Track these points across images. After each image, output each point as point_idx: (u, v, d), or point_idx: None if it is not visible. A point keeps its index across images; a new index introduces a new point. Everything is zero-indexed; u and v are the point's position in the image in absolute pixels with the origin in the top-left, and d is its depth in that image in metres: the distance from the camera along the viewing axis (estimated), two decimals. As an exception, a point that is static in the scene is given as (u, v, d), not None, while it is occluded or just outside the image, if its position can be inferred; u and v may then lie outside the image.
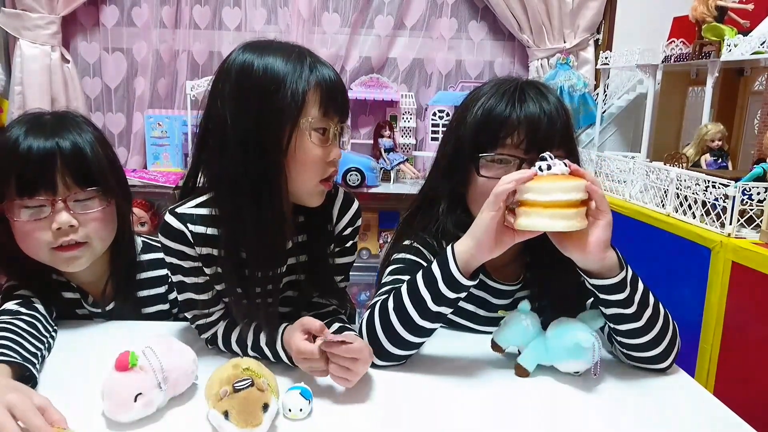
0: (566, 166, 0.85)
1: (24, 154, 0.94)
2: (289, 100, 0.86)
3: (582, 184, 0.84)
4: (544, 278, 1.04)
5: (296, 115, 0.87)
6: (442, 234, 1.03)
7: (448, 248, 0.90)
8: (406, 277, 0.96)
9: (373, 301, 0.97)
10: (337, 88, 0.91)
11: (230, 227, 0.91)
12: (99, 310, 1.12)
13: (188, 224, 0.93)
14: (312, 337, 0.87)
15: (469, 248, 0.88)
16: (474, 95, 1.03)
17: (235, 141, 0.87)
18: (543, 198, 0.82)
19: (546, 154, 0.85)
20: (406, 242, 1.06)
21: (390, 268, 1.04)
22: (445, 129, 2.47)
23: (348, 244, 1.05)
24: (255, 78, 0.87)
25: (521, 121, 0.95)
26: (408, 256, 1.04)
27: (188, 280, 0.96)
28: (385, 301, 0.93)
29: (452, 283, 0.88)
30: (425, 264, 1.01)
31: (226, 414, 0.73)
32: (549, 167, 0.84)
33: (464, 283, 0.88)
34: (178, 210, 0.94)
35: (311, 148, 0.89)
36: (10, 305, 1.00)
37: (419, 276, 0.91)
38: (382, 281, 1.03)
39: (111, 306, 1.12)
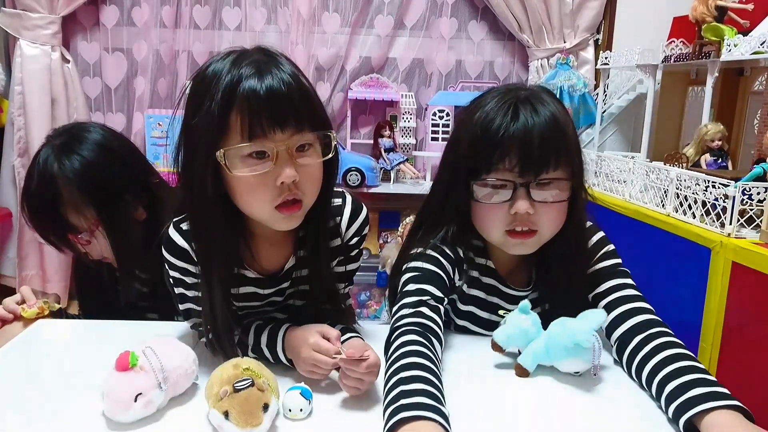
0: None
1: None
2: (203, 129, 0.80)
3: None
4: (552, 280, 1.03)
5: (212, 148, 0.80)
6: (454, 241, 1.01)
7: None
8: (428, 287, 0.94)
9: (398, 314, 0.92)
10: (264, 103, 0.79)
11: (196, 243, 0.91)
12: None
13: (192, 242, 0.91)
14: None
15: None
16: (475, 106, 0.96)
17: (177, 162, 0.90)
18: None
19: None
20: (419, 250, 1.01)
21: (408, 275, 0.98)
22: (446, 130, 2.54)
23: (353, 253, 1.03)
24: (189, 95, 0.86)
25: (512, 144, 0.89)
26: (424, 264, 0.99)
27: (189, 293, 0.95)
28: (404, 366, 0.81)
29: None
30: (441, 273, 0.98)
31: (226, 414, 0.73)
32: None
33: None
34: (183, 226, 0.92)
35: (240, 179, 0.81)
36: None
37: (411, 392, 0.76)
38: (403, 289, 0.97)
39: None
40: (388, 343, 0.88)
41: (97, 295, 1.29)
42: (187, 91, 0.87)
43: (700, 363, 0.85)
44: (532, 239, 0.96)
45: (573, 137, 0.95)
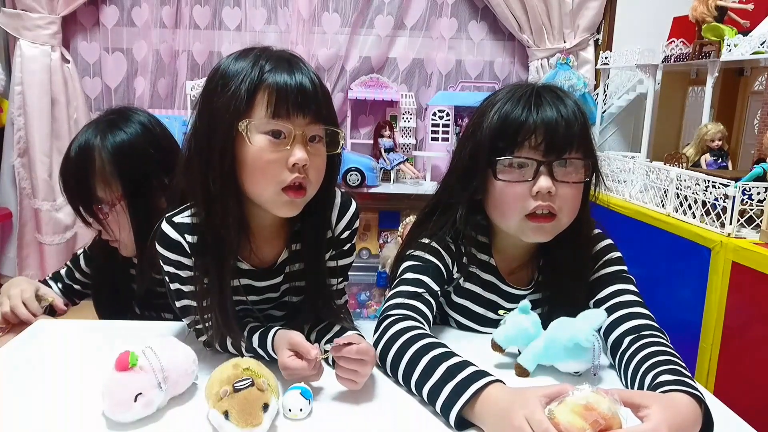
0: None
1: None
2: (229, 102, 0.84)
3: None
4: (555, 282, 1.04)
5: (235, 118, 0.84)
6: (462, 236, 1.03)
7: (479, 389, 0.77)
8: (426, 279, 0.99)
9: (391, 302, 0.97)
10: (293, 89, 0.85)
11: (201, 233, 0.91)
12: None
13: (185, 234, 0.91)
14: (298, 355, 0.85)
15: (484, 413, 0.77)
16: (489, 101, 1.01)
17: (191, 144, 0.89)
18: None
19: None
20: (424, 240, 1.05)
21: (408, 263, 1.03)
22: (446, 130, 2.54)
23: (345, 247, 1.03)
24: (211, 81, 0.89)
25: (538, 125, 0.93)
26: (425, 255, 1.03)
27: (185, 288, 0.95)
28: (409, 342, 0.88)
29: (445, 410, 0.79)
30: (441, 265, 1.02)
31: (226, 414, 0.73)
32: None
33: (450, 422, 0.78)
34: (175, 219, 0.93)
35: (256, 152, 0.85)
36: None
37: (440, 371, 0.82)
38: (401, 276, 1.02)
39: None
40: (380, 327, 0.93)
41: (111, 294, 1.29)
42: (205, 84, 0.90)
43: (682, 361, 0.85)
44: (551, 224, 0.97)
45: (588, 123, 1.01)
